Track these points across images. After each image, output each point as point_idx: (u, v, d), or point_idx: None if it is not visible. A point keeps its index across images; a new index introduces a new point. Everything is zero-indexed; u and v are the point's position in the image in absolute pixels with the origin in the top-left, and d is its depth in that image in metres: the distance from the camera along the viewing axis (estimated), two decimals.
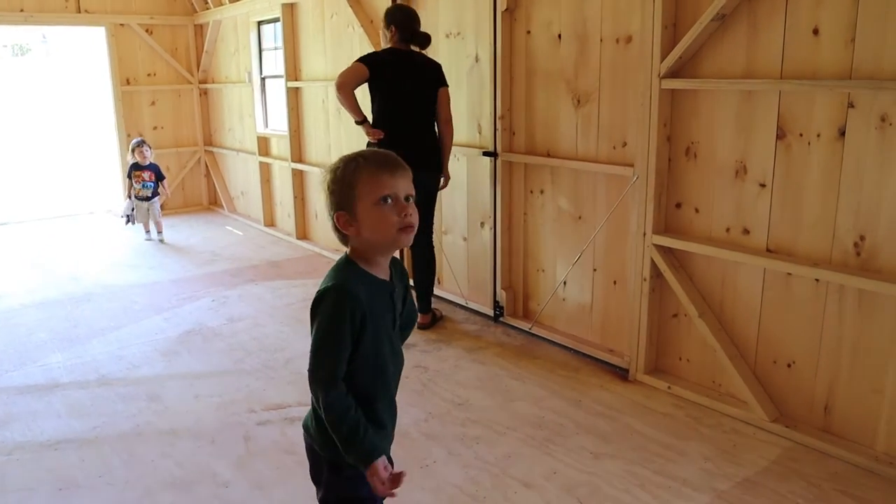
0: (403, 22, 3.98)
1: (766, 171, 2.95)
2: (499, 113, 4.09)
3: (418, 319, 4.02)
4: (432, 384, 3.55)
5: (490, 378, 3.61)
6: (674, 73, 3.16)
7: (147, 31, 7.50)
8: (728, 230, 3.13)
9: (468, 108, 4.42)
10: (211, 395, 3.49)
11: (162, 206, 6.97)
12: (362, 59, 3.94)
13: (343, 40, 5.52)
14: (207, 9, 7.47)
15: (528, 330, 4.16)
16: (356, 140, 5.57)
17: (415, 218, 1.56)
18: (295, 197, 6.59)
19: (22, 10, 6.74)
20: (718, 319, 3.21)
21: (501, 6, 3.93)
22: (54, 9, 6.90)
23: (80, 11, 7.03)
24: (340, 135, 5.84)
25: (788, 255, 2.92)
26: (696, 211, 3.24)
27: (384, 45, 4.08)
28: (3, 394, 3.57)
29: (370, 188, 1.53)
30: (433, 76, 4.00)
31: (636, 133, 3.34)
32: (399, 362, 1.71)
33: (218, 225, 7.55)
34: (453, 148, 4.24)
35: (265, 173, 7.10)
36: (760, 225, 3.00)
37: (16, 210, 8.57)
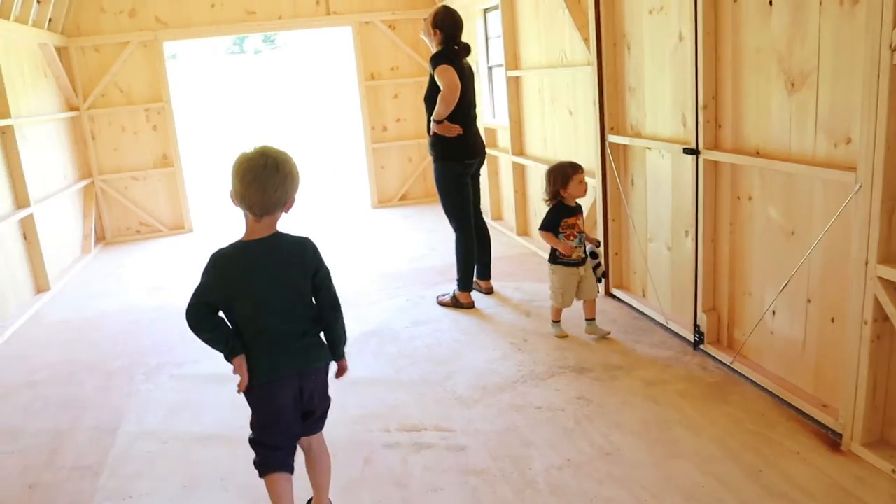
0: (451, 29, 4.37)
1: None
2: (701, 102, 3.39)
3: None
4: (587, 422, 3.05)
5: (658, 423, 3.01)
6: None
7: (390, 26, 7.73)
8: None
9: (672, 97, 3.75)
10: (356, 405, 3.37)
11: None
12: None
13: (554, 24, 5.09)
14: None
15: (728, 364, 3.43)
16: (571, 134, 5.14)
17: None
18: (515, 191, 6.32)
19: (280, 18, 7.34)
20: None
21: None
22: (306, 13, 7.40)
23: (329, 13, 7.46)
24: (555, 127, 5.43)
25: None
26: None
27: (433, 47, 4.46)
28: (189, 381, 3.83)
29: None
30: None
31: (861, 126, 2.49)
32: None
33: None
34: (657, 142, 3.93)
35: (492, 166, 6.92)
36: None
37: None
